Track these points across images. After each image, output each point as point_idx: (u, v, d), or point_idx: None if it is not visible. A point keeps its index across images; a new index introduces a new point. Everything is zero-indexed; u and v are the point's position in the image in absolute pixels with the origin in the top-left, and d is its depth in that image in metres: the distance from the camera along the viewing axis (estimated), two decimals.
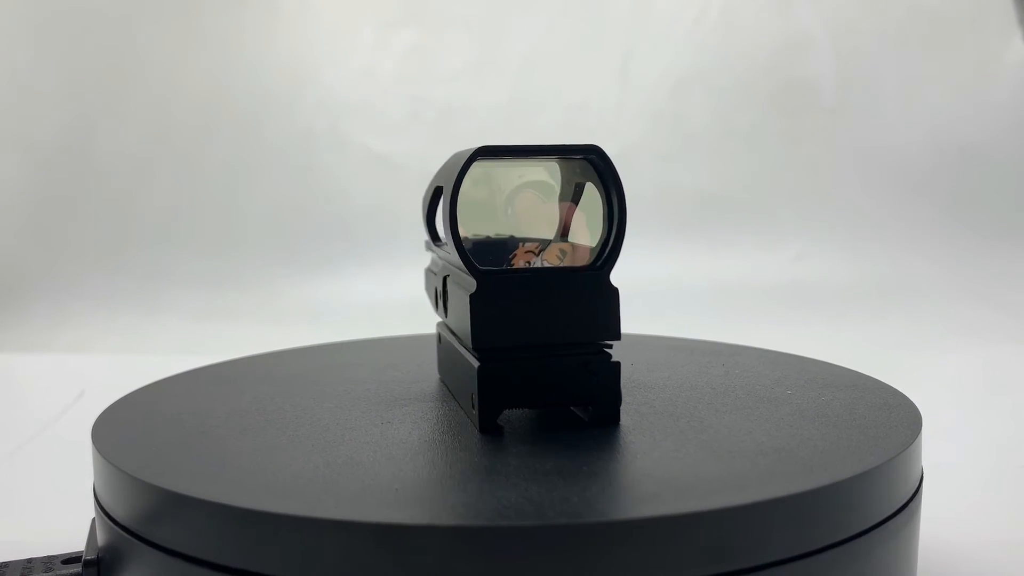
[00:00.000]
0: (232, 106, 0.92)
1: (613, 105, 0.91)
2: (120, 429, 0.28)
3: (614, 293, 0.25)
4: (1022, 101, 0.87)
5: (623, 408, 0.27)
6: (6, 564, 0.27)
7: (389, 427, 0.27)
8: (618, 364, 0.26)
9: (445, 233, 0.26)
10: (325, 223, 0.89)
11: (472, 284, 0.25)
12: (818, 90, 0.90)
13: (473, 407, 0.26)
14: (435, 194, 0.30)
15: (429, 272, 0.34)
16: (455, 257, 0.25)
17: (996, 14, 0.87)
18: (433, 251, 0.33)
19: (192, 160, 0.91)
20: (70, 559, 0.27)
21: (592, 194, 0.27)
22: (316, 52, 0.92)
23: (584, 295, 0.25)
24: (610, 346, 0.26)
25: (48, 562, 0.27)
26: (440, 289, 0.31)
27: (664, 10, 0.91)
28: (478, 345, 0.25)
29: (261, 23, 0.92)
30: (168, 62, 0.92)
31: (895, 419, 0.27)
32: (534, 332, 0.25)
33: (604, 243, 0.26)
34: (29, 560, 0.27)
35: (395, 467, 0.23)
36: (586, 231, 0.28)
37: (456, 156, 0.27)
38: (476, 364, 0.25)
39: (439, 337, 0.33)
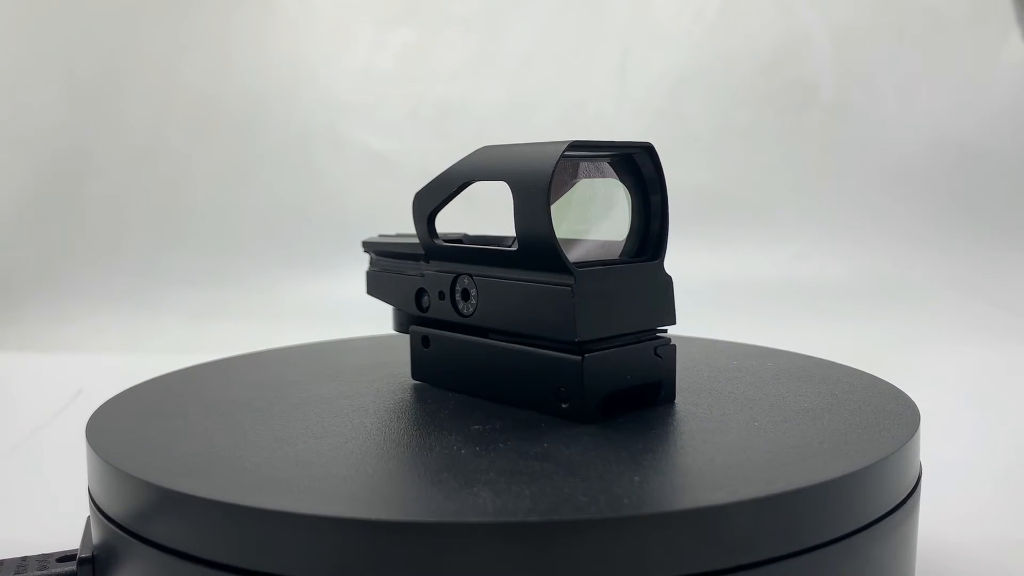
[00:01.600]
0: (229, 105, 0.92)
1: (612, 103, 0.91)
2: (114, 426, 0.28)
3: (670, 281, 0.28)
4: (1020, 99, 0.87)
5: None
6: (1, 562, 0.27)
7: (389, 424, 0.27)
8: (675, 347, 0.29)
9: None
10: (323, 222, 0.89)
11: (552, 279, 0.26)
12: (817, 88, 0.90)
13: (563, 400, 0.27)
14: (459, 188, 0.29)
15: (390, 274, 0.33)
16: (512, 254, 0.27)
17: (994, 12, 0.87)
18: (435, 249, 0.31)
19: (189, 159, 0.91)
20: (65, 557, 0.27)
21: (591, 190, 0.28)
22: (314, 50, 0.92)
23: (650, 285, 0.28)
24: (665, 330, 0.29)
25: (43, 560, 0.27)
26: (450, 287, 0.30)
27: (662, 8, 0.91)
28: (582, 336, 0.26)
29: (258, 22, 0.92)
30: (165, 61, 0.92)
31: (893, 415, 0.27)
32: (619, 322, 0.27)
33: (654, 235, 0.28)
34: (24, 558, 0.27)
35: (393, 464, 0.23)
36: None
37: (484, 151, 0.28)
38: (575, 356, 0.26)
39: (425, 339, 0.32)
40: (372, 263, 0.34)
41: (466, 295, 0.29)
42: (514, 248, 0.27)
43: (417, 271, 0.32)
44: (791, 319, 0.76)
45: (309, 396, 0.31)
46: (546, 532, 0.19)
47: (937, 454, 0.34)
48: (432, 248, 0.30)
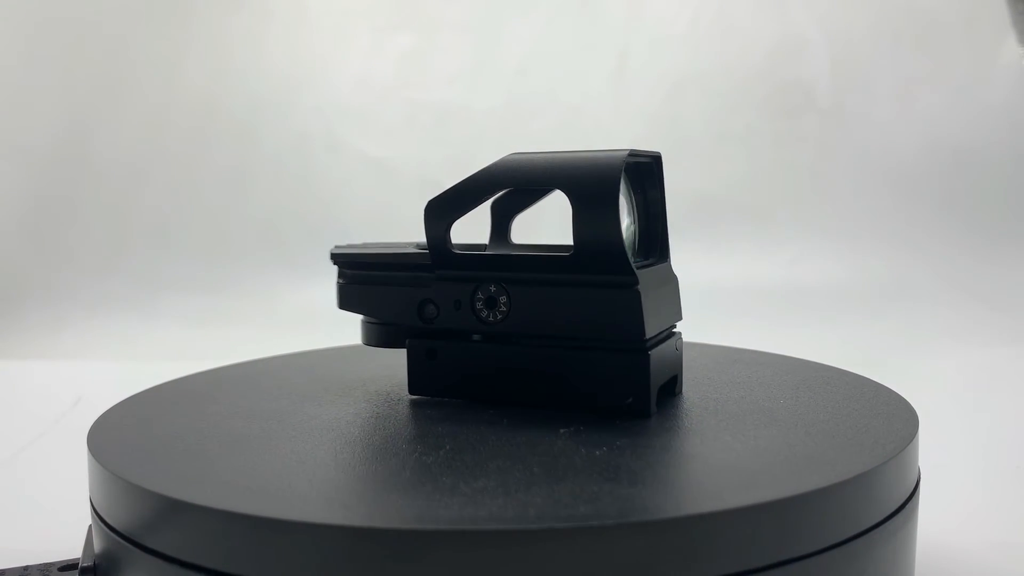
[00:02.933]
0: (228, 111, 0.92)
1: (609, 108, 0.91)
2: (115, 435, 0.28)
3: (677, 280, 0.32)
4: (1016, 102, 0.87)
5: (613, 418, 0.28)
6: (2, 572, 0.27)
7: (391, 430, 0.27)
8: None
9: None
10: (321, 228, 0.88)
11: (613, 281, 0.27)
12: (813, 92, 0.90)
13: (624, 397, 0.28)
14: (486, 196, 0.29)
15: (379, 287, 0.31)
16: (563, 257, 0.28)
17: (989, 15, 0.87)
18: (451, 258, 0.30)
19: (188, 165, 0.91)
20: (67, 566, 0.27)
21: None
22: (311, 57, 0.92)
23: (671, 283, 0.31)
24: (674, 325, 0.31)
25: (45, 569, 0.27)
26: (470, 296, 0.29)
27: (659, 12, 0.91)
28: (649, 334, 0.28)
29: (256, 28, 0.92)
30: (163, 68, 0.92)
31: (892, 421, 0.27)
32: (663, 319, 0.29)
33: (660, 237, 0.31)
34: (25, 567, 0.27)
35: (395, 471, 0.23)
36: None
37: (514, 159, 0.28)
38: (640, 354, 0.27)
39: (430, 352, 0.31)
40: (343, 275, 0.33)
41: (492, 303, 0.29)
42: (568, 253, 0.28)
43: (413, 282, 0.30)
44: (788, 323, 0.76)
45: (309, 405, 0.31)
46: (540, 539, 0.19)
47: (934, 457, 0.34)
48: (448, 257, 0.30)
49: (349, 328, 0.35)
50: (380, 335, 0.33)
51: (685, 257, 0.86)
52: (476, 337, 0.30)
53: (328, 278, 0.92)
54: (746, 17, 0.90)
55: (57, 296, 0.86)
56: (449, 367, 0.30)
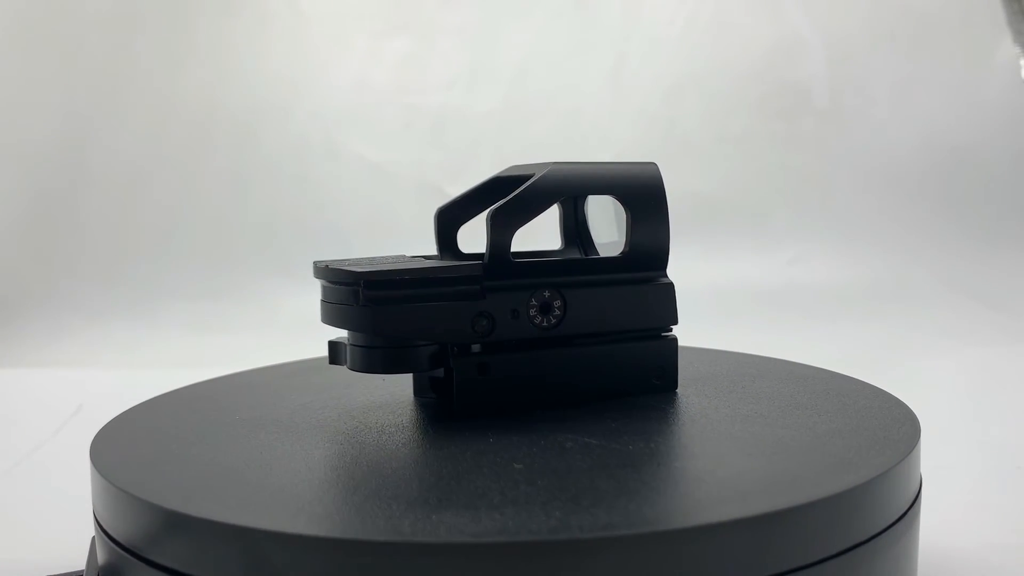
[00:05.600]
0: (227, 117, 0.92)
1: (606, 111, 0.91)
2: (118, 447, 0.28)
3: None
4: (1012, 101, 0.87)
5: (616, 415, 0.29)
6: None
7: (398, 441, 0.27)
8: None
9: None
10: (321, 233, 0.89)
11: (653, 277, 0.32)
12: (810, 93, 0.90)
13: (656, 378, 0.32)
14: (546, 206, 0.30)
15: (417, 304, 0.28)
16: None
17: (985, 15, 0.87)
18: (510, 267, 0.29)
19: (188, 172, 0.91)
20: None
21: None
22: (310, 62, 0.92)
23: None
24: None
25: None
26: (527, 304, 0.29)
27: (655, 15, 0.91)
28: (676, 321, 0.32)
29: (255, 34, 0.92)
30: (163, 74, 0.92)
31: (894, 428, 0.27)
32: None
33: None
34: None
35: (400, 482, 0.23)
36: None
37: (562, 169, 0.30)
38: (671, 337, 0.32)
39: (482, 367, 0.30)
40: (374, 298, 0.28)
41: (547, 308, 0.30)
42: (620, 255, 0.31)
43: (465, 295, 0.29)
44: (786, 324, 0.76)
45: (313, 413, 0.31)
46: (556, 551, 0.19)
47: (934, 457, 0.35)
48: (507, 266, 0.29)
49: None
50: (385, 359, 0.29)
51: (683, 258, 0.86)
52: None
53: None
54: (743, 18, 0.91)
55: (58, 304, 0.86)
56: (501, 380, 0.30)
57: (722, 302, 0.80)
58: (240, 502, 0.22)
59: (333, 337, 0.31)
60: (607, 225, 0.34)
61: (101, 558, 0.26)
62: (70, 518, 0.33)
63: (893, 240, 0.86)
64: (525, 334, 0.30)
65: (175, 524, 0.22)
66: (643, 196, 0.31)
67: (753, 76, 0.90)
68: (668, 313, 0.32)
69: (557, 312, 0.30)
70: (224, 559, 0.21)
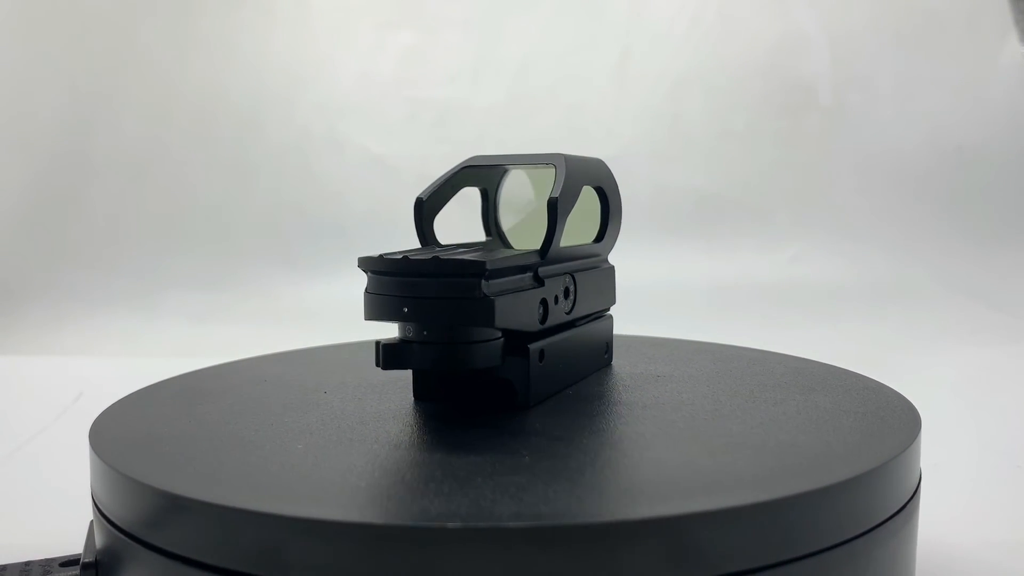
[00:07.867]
0: (230, 108, 0.92)
1: (610, 106, 0.91)
2: (117, 431, 0.28)
3: None
4: (1018, 101, 0.87)
5: (621, 409, 0.29)
6: (4, 567, 0.27)
7: (396, 428, 0.27)
8: None
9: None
10: (322, 225, 0.89)
11: (604, 263, 0.35)
12: (815, 90, 0.90)
13: (606, 354, 0.36)
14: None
15: (521, 294, 0.28)
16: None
17: (992, 14, 0.87)
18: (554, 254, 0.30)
19: (189, 162, 0.91)
20: (68, 562, 0.27)
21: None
22: (313, 54, 0.92)
23: None
24: None
25: (46, 565, 0.27)
26: (564, 285, 0.31)
27: (661, 11, 0.91)
28: None
29: (259, 25, 0.92)
30: (165, 64, 0.92)
31: (893, 420, 0.27)
32: None
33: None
34: (27, 563, 0.27)
35: (400, 467, 0.23)
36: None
37: (579, 159, 0.32)
38: (609, 319, 0.36)
39: (541, 354, 0.29)
40: (485, 287, 0.26)
41: (567, 293, 0.31)
42: (595, 241, 0.34)
43: (532, 283, 0.29)
44: (789, 321, 0.76)
45: (311, 401, 0.31)
46: (545, 538, 0.19)
47: (934, 456, 0.35)
48: (556, 252, 0.30)
49: (351, 325, 0.35)
50: (500, 352, 0.28)
51: (685, 255, 0.87)
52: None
53: (330, 275, 0.92)
54: (748, 15, 0.90)
55: (59, 292, 0.86)
56: (548, 365, 0.30)
57: (724, 298, 0.80)
58: (237, 485, 0.22)
59: (384, 338, 0.27)
60: (513, 214, 0.37)
61: (99, 541, 0.26)
62: (69, 503, 0.33)
63: (896, 238, 0.86)
64: (557, 319, 0.31)
65: (173, 507, 0.22)
66: (614, 187, 0.35)
67: (757, 73, 0.90)
68: (612, 294, 0.36)
69: (571, 297, 0.32)
70: (222, 542, 0.21)
